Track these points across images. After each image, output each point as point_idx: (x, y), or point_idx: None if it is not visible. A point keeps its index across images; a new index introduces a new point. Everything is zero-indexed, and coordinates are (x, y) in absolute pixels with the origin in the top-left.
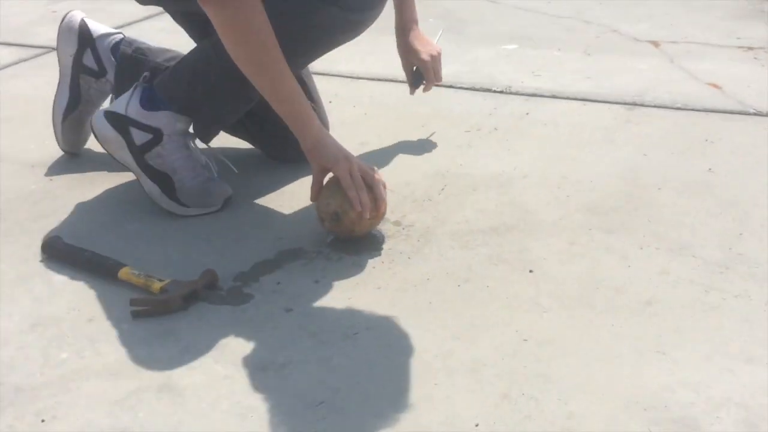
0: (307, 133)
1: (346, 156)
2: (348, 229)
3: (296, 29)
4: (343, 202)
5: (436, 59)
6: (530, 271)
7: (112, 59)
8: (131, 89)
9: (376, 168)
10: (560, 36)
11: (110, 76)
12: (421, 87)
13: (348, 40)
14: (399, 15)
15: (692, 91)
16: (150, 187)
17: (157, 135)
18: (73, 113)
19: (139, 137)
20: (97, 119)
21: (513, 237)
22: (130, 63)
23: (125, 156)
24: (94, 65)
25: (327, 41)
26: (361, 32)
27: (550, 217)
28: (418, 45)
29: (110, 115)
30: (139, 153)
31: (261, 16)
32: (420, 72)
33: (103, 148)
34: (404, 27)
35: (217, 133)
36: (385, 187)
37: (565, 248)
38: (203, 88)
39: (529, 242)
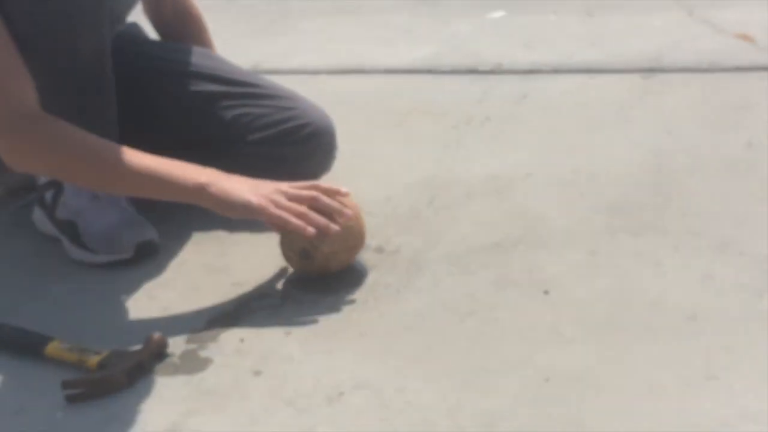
0: (202, 198)
1: (259, 193)
2: (322, 265)
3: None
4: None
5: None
6: (545, 293)
7: None
8: None
9: (315, 183)
10: None
11: None
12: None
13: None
14: None
15: (719, 47)
16: (65, 242)
17: (58, 185)
18: None
19: (49, 196)
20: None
21: (521, 253)
22: None
23: (48, 226)
24: None
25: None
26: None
27: (563, 222)
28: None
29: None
30: (51, 213)
31: (59, 125)
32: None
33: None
34: None
35: None
36: (336, 193)
37: (585, 260)
38: None
39: (540, 257)
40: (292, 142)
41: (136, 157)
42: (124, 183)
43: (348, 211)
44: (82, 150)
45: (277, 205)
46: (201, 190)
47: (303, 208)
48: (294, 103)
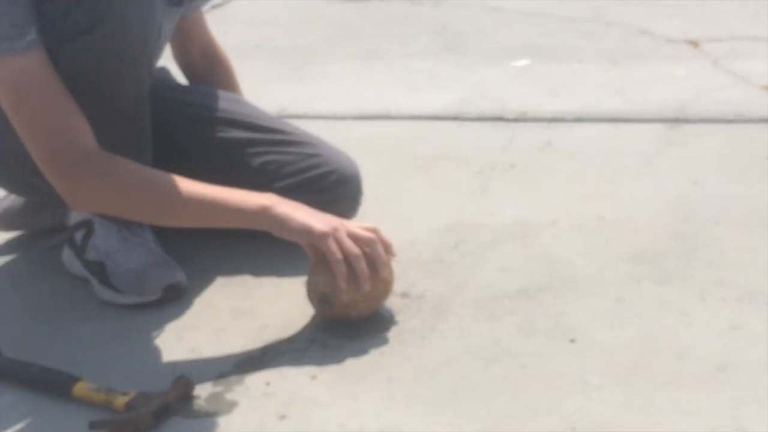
0: (263, 219)
1: (323, 221)
2: (341, 313)
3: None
4: (335, 281)
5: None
6: (571, 341)
7: None
8: None
9: (376, 226)
10: (579, 43)
11: None
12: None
13: (128, 71)
14: None
15: (744, 98)
16: (93, 282)
17: (89, 226)
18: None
19: (78, 236)
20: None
21: (546, 299)
22: None
23: (77, 266)
24: None
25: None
26: (135, 50)
27: (588, 270)
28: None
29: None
30: (81, 254)
31: (121, 161)
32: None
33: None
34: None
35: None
36: (389, 249)
37: (611, 308)
38: None
39: (566, 304)
40: (317, 190)
41: (194, 186)
42: (186, 211)
43: (385, 273)
44: (145, 183)
45: (336, 237)
46: (263, 211)
47: (358, 251)
48: (319, 150)
